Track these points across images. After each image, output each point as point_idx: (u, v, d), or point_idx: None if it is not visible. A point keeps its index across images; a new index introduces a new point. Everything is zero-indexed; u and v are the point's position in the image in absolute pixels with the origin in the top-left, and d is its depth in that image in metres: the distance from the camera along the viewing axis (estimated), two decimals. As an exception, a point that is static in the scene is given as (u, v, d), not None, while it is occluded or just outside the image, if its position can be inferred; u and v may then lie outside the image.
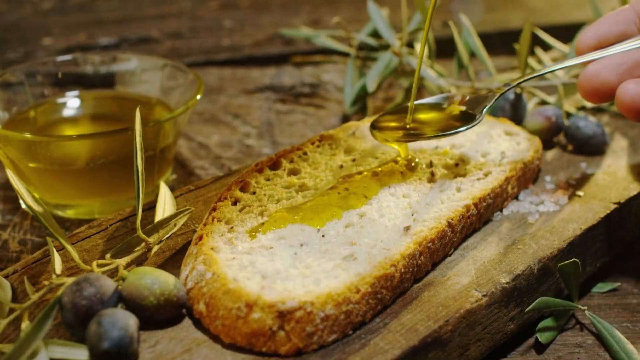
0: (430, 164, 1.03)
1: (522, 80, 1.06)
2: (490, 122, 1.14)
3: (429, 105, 1.06)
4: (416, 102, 1.04)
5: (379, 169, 1.01)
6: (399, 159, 1.02)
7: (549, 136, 1.16)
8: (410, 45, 1.39)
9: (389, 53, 1.31)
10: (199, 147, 1.35)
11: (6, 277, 0.87)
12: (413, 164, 1.02)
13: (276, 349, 0.78)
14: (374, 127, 1.02)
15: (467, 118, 1.01)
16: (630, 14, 1.03)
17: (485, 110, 1.01)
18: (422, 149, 1.06)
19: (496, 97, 1.03)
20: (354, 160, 1.04)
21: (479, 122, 1.00)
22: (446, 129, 1.00)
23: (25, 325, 0.79)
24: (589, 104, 1.27)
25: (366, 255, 0.86)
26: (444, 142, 1.08)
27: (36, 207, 0.85)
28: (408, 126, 1.02)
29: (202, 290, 0.82)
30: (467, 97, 1.05)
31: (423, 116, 1.04)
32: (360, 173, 1.01)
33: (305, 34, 1.48)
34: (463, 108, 1.04)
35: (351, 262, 0.85)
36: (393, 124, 1.03)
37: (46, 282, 0.81)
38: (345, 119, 1.41)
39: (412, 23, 1.33)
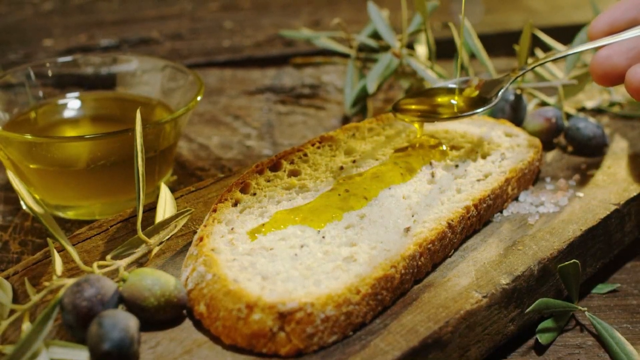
0: (431, 165, 1.03)
1: (537, 64, 1.10)
2: (490, 124, 1.14)
3: (447, 89, 1.10)
4: (436, 86, 1.10)
5: (379, 170, 1.01)
6: (416, 139, 1.07)
7: (549, 137, 1.16)
8: (410, 46, 1.39)
9: (389, 54, 1.31)
10: (199, 148, 1.35)
11: (7, 278, 0.87)
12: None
13: (276, 350, 0.78)
14: (395, 108, 1.07)
15: (482, 101, 1.06)
16: None
17: (500, 93, 1.05)
18: (423, 150, 1.06)
19: (512, 80, 1.07)
20: (354, 161, 1.04)
21: (494, 105, 1.04)
22: (462, 111, 1.05)
23: (26, 326, 0.79)
24: (589, 105, 1.27)
25: (366, 257, 0.86)
26: (444, 144, 1.08)
27: (37, 208, 0.86)
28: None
29: (203, 291, 0.82)
30: (484, 81, 1.09)
31: (441, 99, 1.08)
32: (360, 174, 1.01)
33: (305, 35, 1.48)
34: (477, 93, 1.08)
35: (351, 263, 0.85)
36: (413, 106, 1.09)
37: (47, 283, 0.82)
38: (346, 120, 1.41)
39: (412, 24, 1.33)
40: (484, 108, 1.04)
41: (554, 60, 1.11)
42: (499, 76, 1.11)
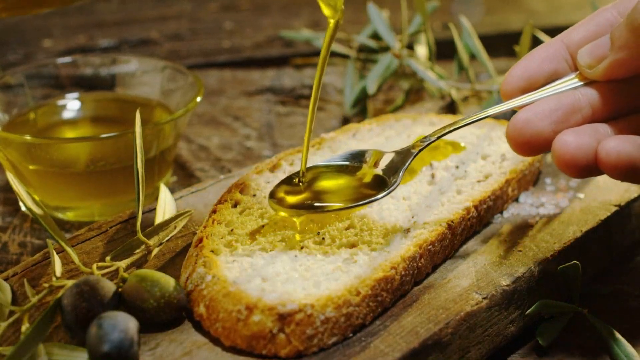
0: (431, 166, 1.03)
1: (441, 134, 0.91)
2: (490, 124, 1.14)
3: (337, 167, 0.94)
4: (322, 163, 0.95)
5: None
6: (296, 233, 0.90)
7: (549, 138, 1.16)
8: (410, 47, 1.39)
9: (389, 55, 1.31)
10: (199, 149, 1.35)
11: (6, 279, 0.87)
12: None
13: (276, 352, 0.78)
14: (272, 196, 0.90)
15: (380, 183, 0.90)
16: (560, 48, 0.89)
17: (401, 173, 0.89)
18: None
19: (414, 156, 0.91)
20: (354, 162, 1.03)
21: (393, 189, 0.88)
22: (355, 198, 0.89)
23: (25, 327, 0.79)
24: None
25: (366, 258, 0.86)
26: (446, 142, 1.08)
27: (36, 210, 0.85)
28: (303, 188, 0.92)
29: (202, 292, 0.82)
30: (381, 156, 0.93)
31: (328, 182, 0.93)
32: (360, 175, 1.00)
33: (305, 36, 1.48)
34: (375, 172, 0.92)
35: (351, 265, 0.85)
36: (291, 196, 0.91)
37: (46, 285, 0.81)
38: (346, 121, 1.41)
39: (412, 25, 1.33)
40: (383, 194, 0.88)
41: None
42: (398, 149, 0.93)
